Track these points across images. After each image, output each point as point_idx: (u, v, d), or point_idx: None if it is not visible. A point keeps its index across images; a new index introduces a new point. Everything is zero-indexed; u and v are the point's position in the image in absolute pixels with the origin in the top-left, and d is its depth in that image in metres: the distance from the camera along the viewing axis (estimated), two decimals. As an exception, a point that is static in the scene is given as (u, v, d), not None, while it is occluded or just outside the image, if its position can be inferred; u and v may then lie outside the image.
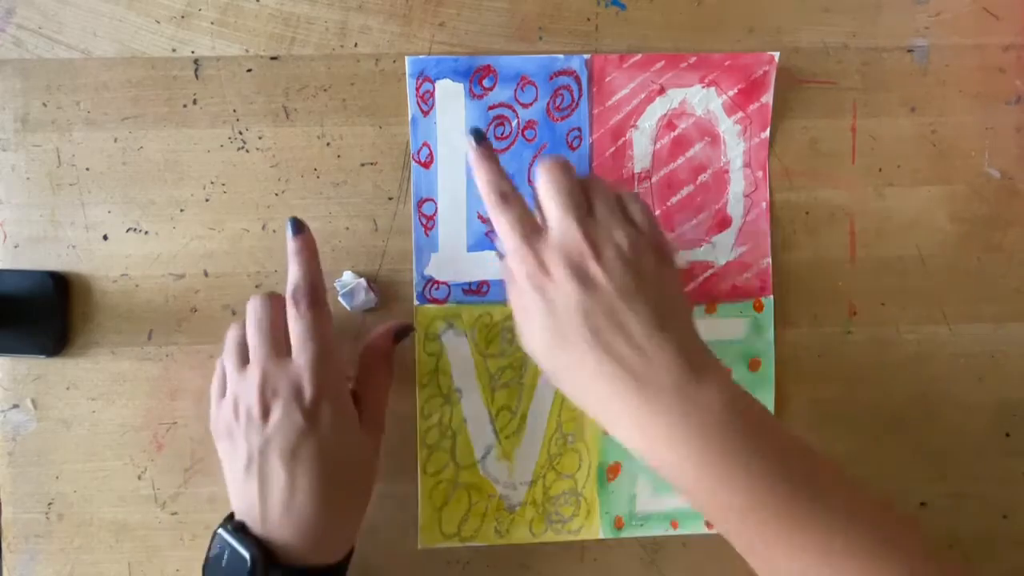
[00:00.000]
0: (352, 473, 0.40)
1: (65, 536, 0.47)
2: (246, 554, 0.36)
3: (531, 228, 0.38)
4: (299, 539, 0.38)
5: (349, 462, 0.40)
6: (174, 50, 0.47)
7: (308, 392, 0.38)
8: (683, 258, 0.48)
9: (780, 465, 0.35)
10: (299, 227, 0.41)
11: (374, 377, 0.44)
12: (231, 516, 0.39)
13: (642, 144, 0.48)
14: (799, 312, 0.49)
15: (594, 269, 0.36)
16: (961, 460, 0.50)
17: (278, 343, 0.40)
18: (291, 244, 0.41)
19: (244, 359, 0.41)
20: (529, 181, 0.48)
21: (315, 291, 0.40)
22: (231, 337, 0.42)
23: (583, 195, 0.38)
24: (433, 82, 0.48)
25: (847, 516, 0.34)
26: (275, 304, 0.41)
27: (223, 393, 0.41)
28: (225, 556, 0.37)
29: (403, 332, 0.46)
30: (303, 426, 0.38)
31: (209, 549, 0.38)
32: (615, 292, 0.36)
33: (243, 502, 0.39)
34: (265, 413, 0.38)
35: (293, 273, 0.41)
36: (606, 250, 0.37)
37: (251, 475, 0.38)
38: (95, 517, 0.47)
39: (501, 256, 0.40)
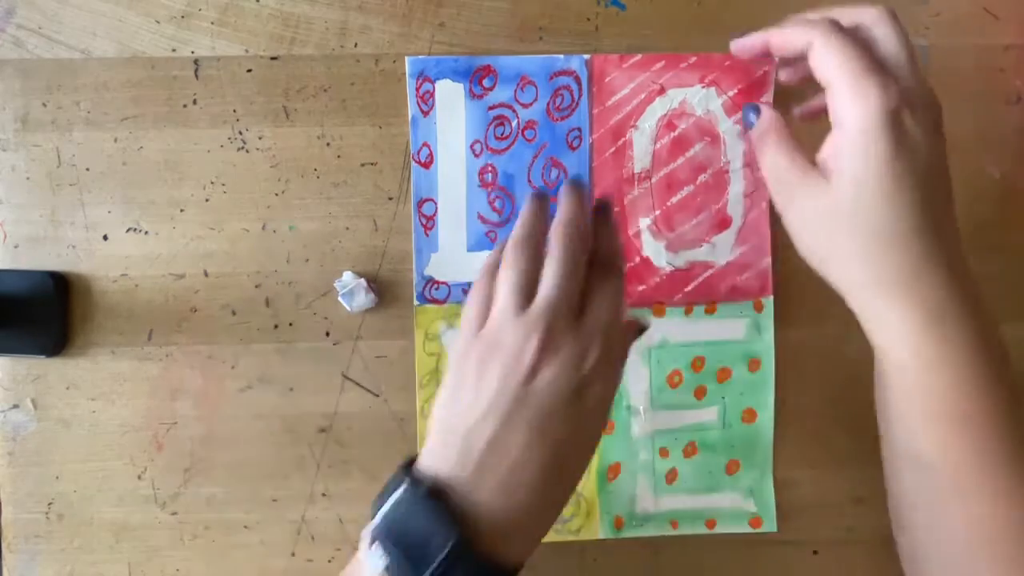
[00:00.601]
0: (579, 467, 0.35)
1: (65, 536, 0.47)
2: (447, 535, 0.30)
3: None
4: (497, 523, 0.32)
5: (592, 446, 0.35)
6: (174, 50, 0.47)
7: (590, 363, 0.33)
8: (683, 258, 0.48)
9: (1010, 373, 0.35)
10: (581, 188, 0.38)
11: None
12: (412, 463, 0.34)
13: (642, 144, 0.48)
14: (799, 312, 0.49)
15: (941, 127, 0.36)
16: (961, 460, 0.49)
17: (574, 296, 0.34)
18: (595, 208, 0.37)
19: (528, 295, 0.34)
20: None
21: (623, 255, 0.37)
22: (515, 267, 0.34)
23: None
24: (433, 82, 0.48)
25: None
26: (583, 241, 0.35)
27: (481, 320, 0.35)
28: (414, 521, 0.31)
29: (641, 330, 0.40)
30: (570, 398, 0.32)
31: (387, 494, 0.32)
32: (944, 158, 0.36)
33: (452, 454, 0.32)
34: (534, 370, 0.32)
35: (602, 237, 0.36)
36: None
37: (481, 435, 0.32)
38: (95, 517, 0.47)
39: (752, 112, 0.39)
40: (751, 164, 0.49)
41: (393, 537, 0.31)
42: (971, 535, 0.35)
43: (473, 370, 0.33)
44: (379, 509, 0.33)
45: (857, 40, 0.35)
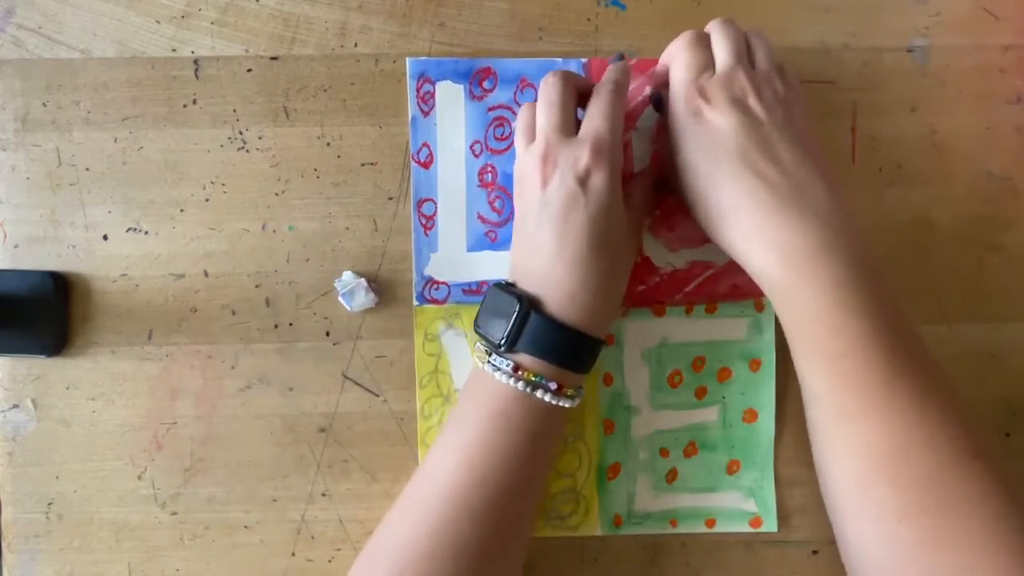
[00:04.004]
0: (612, 244, 0.42)
1: (65, 536, 0.47)
2: (515, 302, 0.41)
3: (703, 69, 0.42)
4: (558, 296, 0.41)
5: (611, 233, 0.42)
6: (174, 50, 0.47)
7: (583, 162, 0.41)
8: (683, 258, 0.48)
9: (896, 314, 0.39)
10: (622, 57, 0.46)
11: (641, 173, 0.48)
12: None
13: (641, 145, 0.48)
14: (799, 312, 0.49)
15: (754, 104, 0.41)
16: (961, 460, 0.49)
17: (565, 121, 0.43)
18: (612, 63, 0.46)
19: (532, 138, 0.44)
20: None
21: (621, 83, 0.44)
22: (521, 118, 0.45)
23: (748, 49, 0.43)
24: (433, 83, 0.48)
25: (939, 383, 0.39)
26: (567, 84, 0.43)
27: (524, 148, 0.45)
28: (495, 305, 0.42)
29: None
30: (574, 192, 0.41)
31: (482, 302, 0.43)
32: (770, 125, 0.41)
33: (517, 256, 0.43)
34: (544, 183, 0.42)
35: (607, 72, 0.45)
36: (766, 92, 0.41)
37: (525, 238, 0.42)
38: (95, 517, 0.47)
39: (658, 100, 0.46)
40: None
41: (484, 316, 0.42)
42: (856, 459, 0.39)
43: (517, 201, 0.44)
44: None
45: (698, 41, 0.43)
